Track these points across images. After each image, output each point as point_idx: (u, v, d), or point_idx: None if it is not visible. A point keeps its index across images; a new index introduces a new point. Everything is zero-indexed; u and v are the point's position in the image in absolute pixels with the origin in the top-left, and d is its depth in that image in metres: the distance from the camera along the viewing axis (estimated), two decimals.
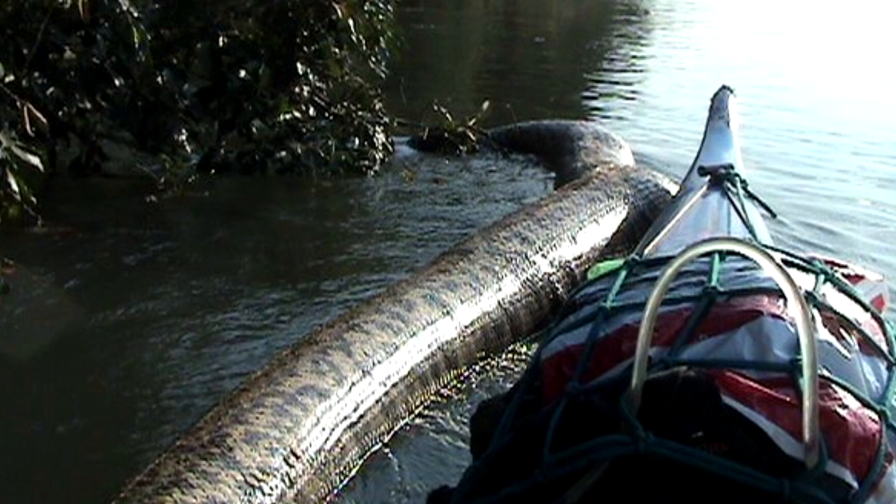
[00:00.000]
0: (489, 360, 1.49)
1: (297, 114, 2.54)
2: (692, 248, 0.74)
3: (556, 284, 1.64)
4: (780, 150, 3.02)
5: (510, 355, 1.52)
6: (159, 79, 2.32)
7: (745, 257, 0.80)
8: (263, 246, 2.09)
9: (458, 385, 1.42)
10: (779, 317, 0.77)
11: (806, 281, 0.86)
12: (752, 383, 0.72)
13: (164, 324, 1.60)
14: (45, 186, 2.01)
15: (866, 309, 0.88)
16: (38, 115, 1.90)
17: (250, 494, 0.99)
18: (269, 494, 1.01)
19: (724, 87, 2.12)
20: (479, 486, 0.78)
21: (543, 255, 1.66)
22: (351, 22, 2.56)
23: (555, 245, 1.70)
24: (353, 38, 2.59)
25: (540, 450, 0.73)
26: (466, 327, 1.46)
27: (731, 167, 1.66)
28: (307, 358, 1.23)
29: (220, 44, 2.50)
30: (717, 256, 0.86)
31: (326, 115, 2.67)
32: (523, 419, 0.81)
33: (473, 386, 1.43)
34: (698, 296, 0.81)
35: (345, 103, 2.69)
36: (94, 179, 2.39)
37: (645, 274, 0.91)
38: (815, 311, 0.80)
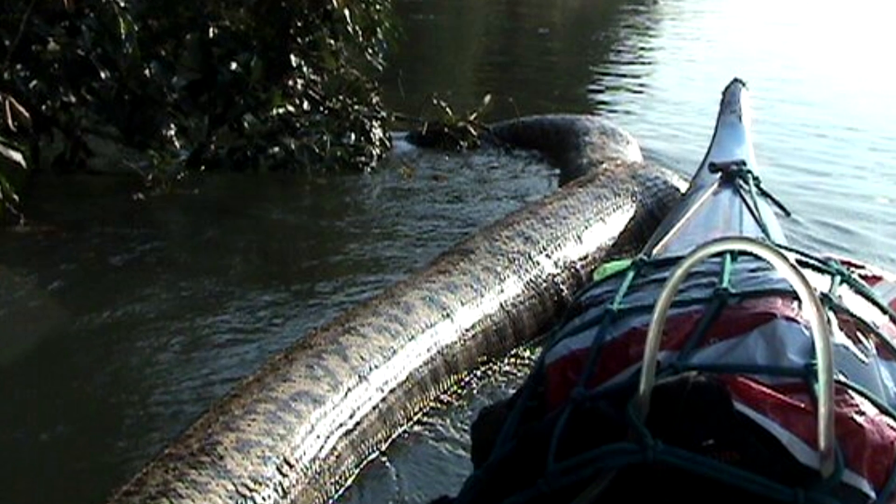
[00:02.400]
0: (491, 364, 1.46)
1: (290, 108, 2.50)
2: (703, 247, 0.71)
3: (561, 286, 1.61)
4: (794, 146, 2.97)
5: (513, 360, 1.49)
6: (147, 71, 2.28)
7: (757, 257, 0.77)
8: (255, 246, 2.06)
9: (459, 391, 1.39)
10: (793, 319, 0.74)
11: (821, 282, 0.83)
12: (765, 389, 0.69)
13: (151, 327, 1.57)
14: (27, 184, 1.97)
15: (884, 311, 0.85)
16: (21, 109, 1.88)
17: None
18: None
19: (735, 80, 2.10)
20: (481, 496, 0.75)
21: (547, 256, 1.63)
22: (347, 12, 2.52)
23: (559, 245, 1.67)
24: (349, 28, 2.55)
25: (544, 458, 0.71)
26: (467, 330, 1.43)
27: (744, 163, 1.65)
28: (301, 362, 1.20)
29: (211, 35, 2.45)
30: (728, 256, 0.83)
31: (321, 109, 2.63)
32: (526, 426, 0.78)
33: (474, 392, 1.40)
34: (709, 297, 0.78)
35: (340, 97, 2.65)
36: (79, 176, 2.35)
37: (653, 275, 0.88)
38: (831, 314, 0.77)
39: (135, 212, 2.13)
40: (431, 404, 1.33)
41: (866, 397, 0.70)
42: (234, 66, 2.40)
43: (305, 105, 2.57)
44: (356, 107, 2.62)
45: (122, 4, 2.15)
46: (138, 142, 2.32)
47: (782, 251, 0.70)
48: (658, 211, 1.90)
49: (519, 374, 1.42)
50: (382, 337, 1.29)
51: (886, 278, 0.91)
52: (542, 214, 1.73)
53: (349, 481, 1.15)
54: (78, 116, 2.30)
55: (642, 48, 5.27)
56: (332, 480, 1.12)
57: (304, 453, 1.07)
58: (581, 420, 0.72)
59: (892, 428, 0.70)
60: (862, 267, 0.92)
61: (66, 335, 1.54)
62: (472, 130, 2.82)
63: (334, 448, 1.12)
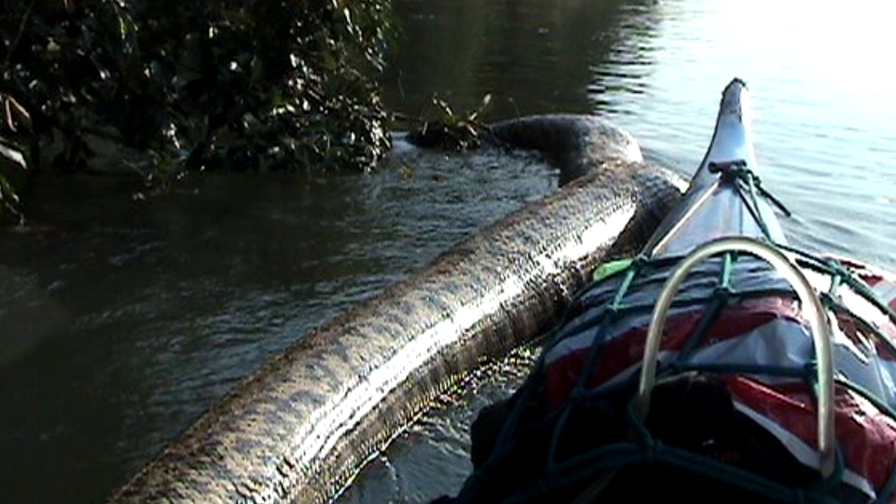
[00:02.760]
0: (491, 364, 1.46)
1: (290, 108, 2.50)
2: (703, 247, 0.71)
3: (561, 286, 1.61)
4: (794, 146, 2.97)
5: (513, 360, 1.49)
6: (147, 71, 2.27)
7: (757, 257, 0.77)
8: (255, 246, 2.06)
9: (459, 391, 1.39)
10: (793, 319, 0.74)
11: (821, 282, 0.83)
12: (765, 389, 0.69)
13: (151, 327, 1.57)
14: (27, 184, 1.96)
15: (884, 311, 0.85)
16: (21, 109, 1.88)
17: None
18: None
19: (735, 80, 2.10)
20: (481, 496, 0.75)
21: (547, 256, 1.63)
22: (347, 12, 2.52)
23: (559, 245, 1.67)
24: (349, 28, 2.55)
25: (544, 458, 0.71)
26: (467, 330, 1.43)
27: (744, 163, 1.65)
28: (301, 362, 1.20)
29: (211, 35, 2.45)
30: (728, 256, 0.83)
31: (321, 109, 2.63)
32: (526, 426, 0.78)
33: (474, 392, 1.39)
34: (709, 297, 0.78)
35: (340, 97, 2.64)
36: (79, 176, 2.35)
37: (653, 275, 0.88)
38: (831, 314, 0.77)
39: (135, 212, 2.13)
40: (431, 404, 1.33)
41: (866, 397, 0.70)
42: (234, 66, 2.40)
43: (305, 105, 2.57)
44: (356, 107, 2.61)
45: (122, 4, 2.15)
46: (138, 142, 2.32)
47: (782, 251, 0.70)
48: (658, 211, 1.90)
49: (519, 374, 1.42)
50: (382, 337, 1.29)
51: (886, 278, 0.91)
52: (542, 214, 1.73)
53: (349, 481, 1.15)
54: (78, 116, 2.30)
55: (642, 48, 5.26)
56: (332, 480, 1.11)
57: (304, 453, 1.07)
58: (581, 420, 0.72)
59: (892, 428, 0.70)
60: (862, 267, 0.92)
61: (66, 335, 1.54)
62: (472, 130, 2.81)
63: (334, 448, 1.12)
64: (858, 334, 0.78)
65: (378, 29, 2.62)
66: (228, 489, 0.96)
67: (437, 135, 2.81)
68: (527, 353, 1.49)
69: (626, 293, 0.84)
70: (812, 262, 0.86)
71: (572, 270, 1.65)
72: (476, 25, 6.34)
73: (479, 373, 1.43)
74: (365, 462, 1.18)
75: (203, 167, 2.41)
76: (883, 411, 0.71)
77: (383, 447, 1.22)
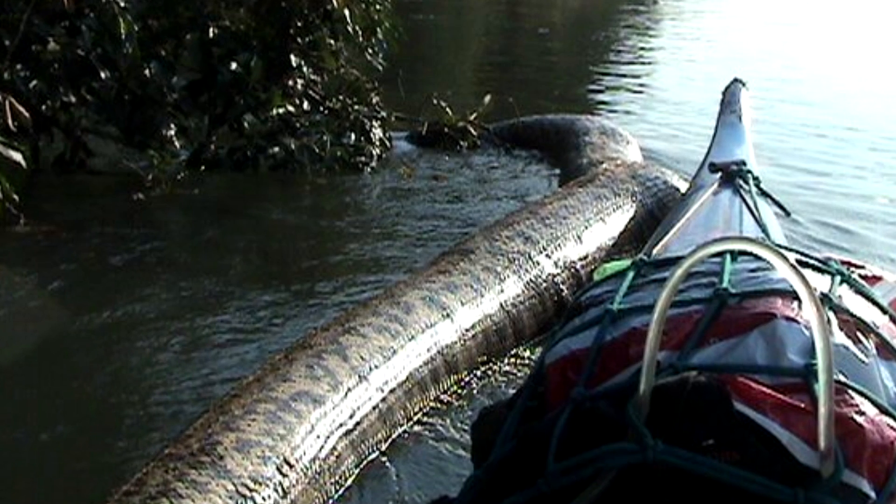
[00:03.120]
0: (491, 364, 1.46)
1: (290, 108, 2.50)
2: (703, 247, 0.71)
3: (561, 286, 1.61)
4: (794, 146, 2.98)
5: (513, 360, 1.49)
6: (147, 71, 2.28)
7: (757, 257, 0.77)
8: (255, 246, 2.06)
9: (459, 391, 1.39)
10: (793, 319, 0.74)
11: (821, 282, 0.83)
12: (765, 389, 0.69)
13: (151, 327, 1.57)
14: (27, 184, 1.96)
15: (884, 311, 0.85)
16: (21, 109, 1.88)
17: None
18: None
19: (735, 80, 2.10)
20: (481, 496, 0.75)
21: (547, 256, 1.63)
22: (347, 12, 2.52)
23: (559, 245, 1.67)
24: (349, 28, 2.55)
25: (544, 458, 0.71)
26: (467, 330, 1.43)
27: (744, 163, 1.65)
28: (301, 362, 1.20)
29: (211, 35, 2.45)
30: (728, 256, 0.83)
31: (321, 109, 2.63)
32: (526, 426, 0.78)
33: (474, 392, 1.40)
34: (709, 297, 0.78)
35: (340, 97, 2.64)
36: (79, 176, 2.36)
37: (653, 275, 0.88)
38: (831, 314, 0.77)
39: (135, 212, 2.13)
40: (431, 404, 1.33)
41: (866, 397, 0.71)
42: (234, 66, 2.40)
43: (305, 105, 2.57)
44: (356, 107, 2.61)
45: (122, 4, 2.15)
46: (138, 142, 2.32)
47: (782, 251, 0.70)
48: (658, 211, 1.90)
49: (519, 374, 1.42)
50: (382, 337, 1.29)
51: (886, 278, 0.91)
52: (542, 214, 1.73)
53: (349, 481, 1.15)
54: (78, 116, 2.30)
55: (642, 48, 5.27)
56: (332, 480, 1.12)
57: (304, 453, 1.07)
58: (581, 420, 0.72)
59: (892, 428, 0.70)
60: (862, 267, 0.92)
61: (66, 335, 1.54)
62: (472, 130, 2.82)
63: (334, 448, 1.12)
64: (858, 334, 0.78)
65: (378, 29, 2.62)
66: (228, 489, 0.97)
67: (437, 135, 2.81)
68: (527, 353, 1.49)
69: (626, 293, 0.84)
70: (812, 262, 0.87)
71: (572, 270, 1.65)
72: (476, 25, 6.33)
73: (479, 373, 1.43)
74: (365, 462, 1.19)
75: (203, 167, 2.41)
76: (883, 411, 0.71)
77: (383, 447, 1.22)
